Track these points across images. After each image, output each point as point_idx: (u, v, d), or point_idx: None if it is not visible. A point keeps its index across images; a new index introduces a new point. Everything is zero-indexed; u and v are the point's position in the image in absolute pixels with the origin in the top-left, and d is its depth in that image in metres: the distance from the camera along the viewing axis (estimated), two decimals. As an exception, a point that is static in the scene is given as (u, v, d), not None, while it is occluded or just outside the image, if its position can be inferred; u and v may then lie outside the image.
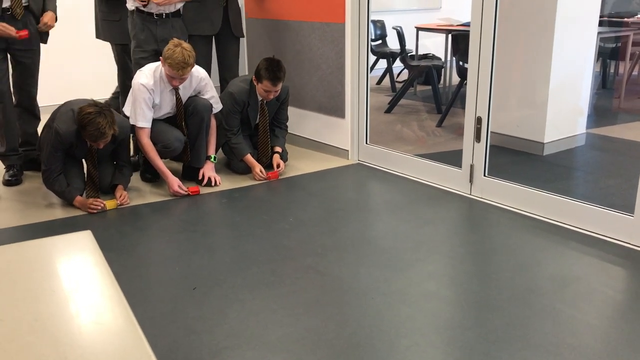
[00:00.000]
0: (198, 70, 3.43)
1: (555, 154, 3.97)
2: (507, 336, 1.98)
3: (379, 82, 6.99)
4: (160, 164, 3.34)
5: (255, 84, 3.55)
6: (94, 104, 3.01)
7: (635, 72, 5.85)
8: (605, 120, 4.96)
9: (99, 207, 3.10)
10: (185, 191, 3.33)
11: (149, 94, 3.25)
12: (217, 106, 3.56)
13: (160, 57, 3.25)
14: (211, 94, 3.51)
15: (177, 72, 3.17)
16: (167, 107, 3.40)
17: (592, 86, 4.71)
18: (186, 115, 3.45)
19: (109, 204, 3.15)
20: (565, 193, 2.93)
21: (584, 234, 2.76)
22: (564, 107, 3.98)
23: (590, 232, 2.76)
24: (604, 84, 6.32)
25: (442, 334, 2.01)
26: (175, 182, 3.32)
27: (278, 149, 3.76)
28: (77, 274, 1.19)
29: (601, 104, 5.53)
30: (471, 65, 3.16)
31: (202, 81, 3.46)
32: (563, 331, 2.00)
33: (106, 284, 1.12)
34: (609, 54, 5.89)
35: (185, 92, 3.43)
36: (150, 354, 0.91)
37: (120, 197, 3.20)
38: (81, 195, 3.17)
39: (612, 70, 6.57)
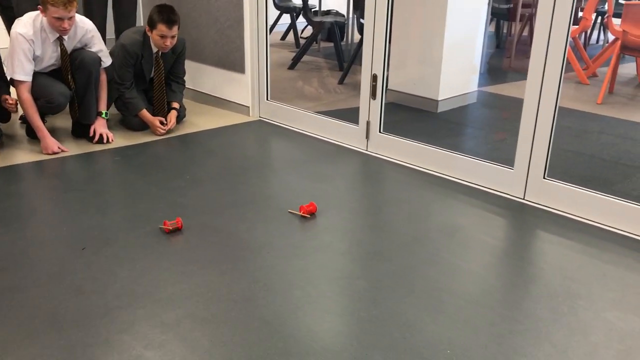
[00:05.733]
0: (83, 21, 3.24)
1: (449, 111, 4.14)
2: (394, 284, 2.08)
3: (283, 37, 6.92)
4: (38, 122, 3.16)
5: (149, 34, 3.41)
6: None
7: (525, 33, 6.16)
8: (497, 78, 5.22)
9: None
10: (65, 151, 3.21)
11: (29, 44, 3.03)
12: (107, 60, 3.39)
13: (39, 6, 3.02)
14: (99, 47, 3.33)
15: (63, 8, 2.95)
16: (50, 59, 3.19)
17: (485, 45, 4.92)
18: (73, 69, 3.26)
19: None
20: (455, 148, 3.07)
21: (470, 186, 2.92)
22: (457, 65, 4.13)
23: (476, 185, 2.92)
24: (498, 43, 6.61)
25: (333, 284, 2.07)
26: (54, 145, 3.17)
27: (175, 104, 3.66)
28: None
29: (494, 63, 5.79)
30: (367, 22, 3.19)
31: (89, 33, 3.27)
32: (445, 277, 2.13)
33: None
34: (504, 15, 6.14)
35: (69, 43, 3.23)
36: None
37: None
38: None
39: (505, 31, 6.88)
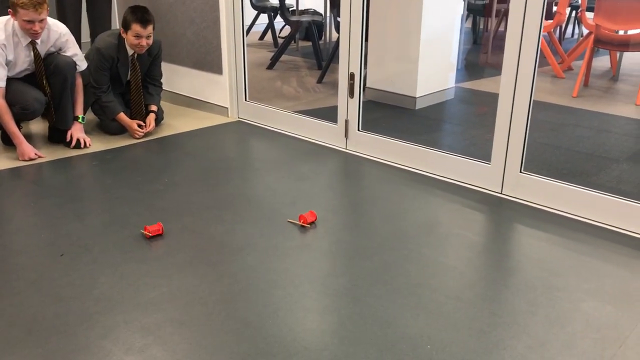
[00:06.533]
0: (57, 25, 3.20)
1: (427, 108, 4.17)
2: (375, 281, 2.09)
3: (261, 37, 6.91)
4: (14, 128, 3.12)
5: (124, 36, 3.38)
6: None
7: (502, 29, 6.21)
8: (474, 74, 5.26)
9: None
10: (42, 157, 3.17)
11: (1, 49, 2.99)
12: (82, 64, 3.35)
13: (9, 10, 2.98)
14: (74, 51, 3.30)
15: (34, 10, 2.91)
16: (24, 63, 3.15)
17: (462, 42, 4.96)
18: (47, 74, 3.22)
19: None
20: (433, 145, 3.09)
21: (448, 182, 2.95)
22: (434, 62, 4.16)
23: (453, 181, 2.95)
24: (475, 39, 6.67)
25: (314, 283, 2.08)
26: (30, 151, 3.14)
27: (153, 107, 3.63)
28: None
29: (471, 59, 5.83)
30: (343, 21, 3.20)
31: (63, 37, 3.23)
32: (425, 273, 2.15)
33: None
34: (480, 11, 6.19)
35: (43, 47, 3.19)
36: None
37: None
38: None
39: (481, 27, 6.93)
